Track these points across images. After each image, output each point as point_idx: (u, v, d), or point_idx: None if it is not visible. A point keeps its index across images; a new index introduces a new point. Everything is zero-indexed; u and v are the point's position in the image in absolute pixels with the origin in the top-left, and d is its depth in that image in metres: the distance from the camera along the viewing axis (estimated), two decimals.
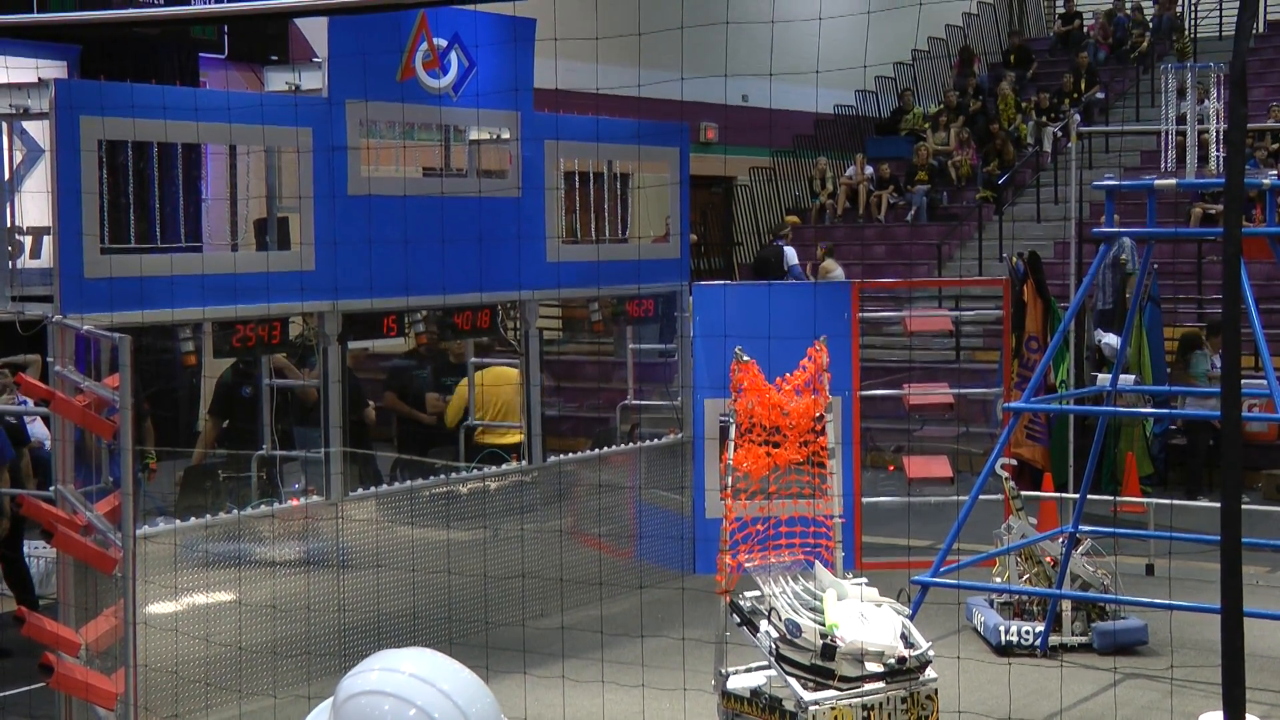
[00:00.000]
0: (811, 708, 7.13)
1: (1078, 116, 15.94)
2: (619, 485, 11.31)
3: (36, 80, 8.68)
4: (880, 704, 7.24)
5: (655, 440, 11.78)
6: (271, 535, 9.08)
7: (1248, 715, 3.61)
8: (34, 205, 9.13)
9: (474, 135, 10.75)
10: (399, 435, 11.75)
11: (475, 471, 10.62)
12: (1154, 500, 12.07)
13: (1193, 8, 27.08)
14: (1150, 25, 26.39)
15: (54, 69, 13.54)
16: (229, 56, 17.02)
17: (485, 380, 11.62)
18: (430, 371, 11.98)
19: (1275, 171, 9.30)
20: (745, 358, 8.10)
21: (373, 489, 9.70)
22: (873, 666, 7.23)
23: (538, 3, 9.63)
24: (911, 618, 7.77)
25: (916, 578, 8.69)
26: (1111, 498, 12.43)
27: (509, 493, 10.49)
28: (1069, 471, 13.39)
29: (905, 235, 22.56)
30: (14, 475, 10.41)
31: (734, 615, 7.68)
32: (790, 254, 20.20)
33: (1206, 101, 10.06)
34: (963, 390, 13.18)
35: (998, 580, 9.88)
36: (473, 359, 11.62)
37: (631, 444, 11.69)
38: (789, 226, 21.33)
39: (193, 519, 8.71)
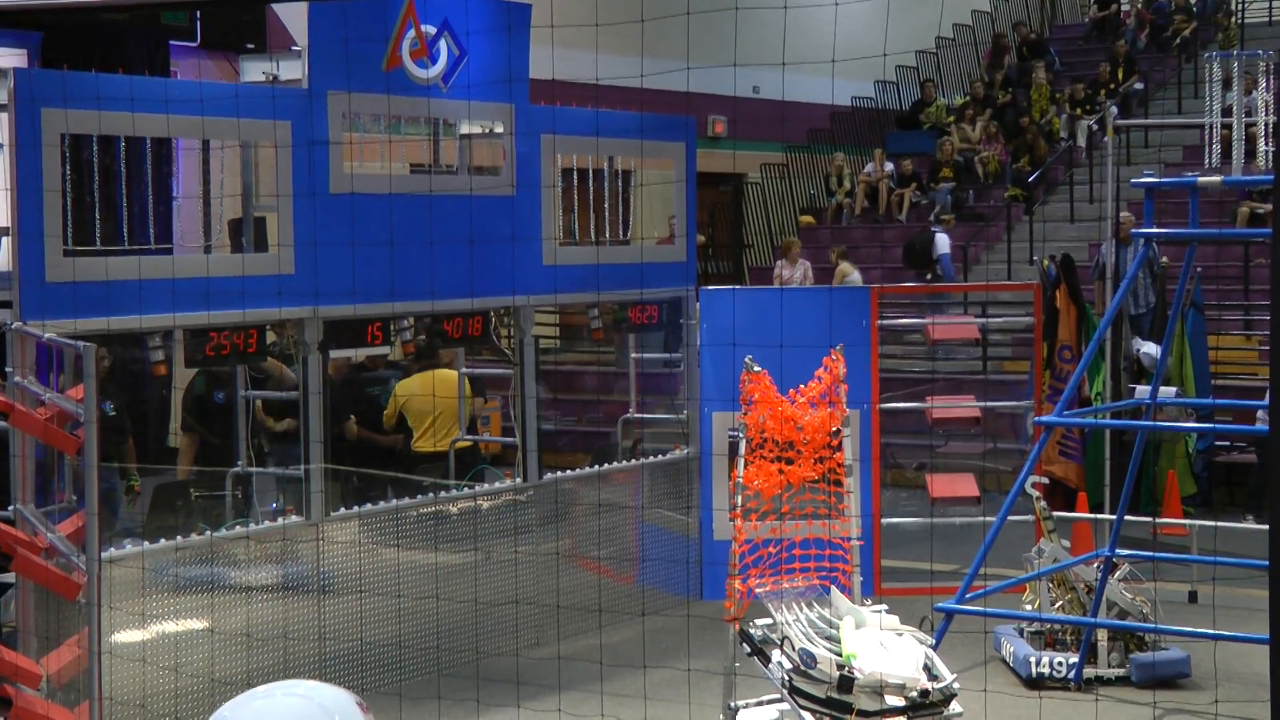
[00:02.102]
0: None
1: (1114, 109, 15.93)
2: (620, 505, 11.31)
3: None
4: None
5: (659, 456, 11.79)
6: (247, 558, 9.09)
7: None
8: None
9: (465, 129, 10.78)
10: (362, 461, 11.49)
11: (465, 490, 10.64)
12: (1197, 522, 12.06)
13: None
14: (1194, 10, 26.38)
15: (13, 57, 13.55)
16: (202, 44, 17.07)
17: (404, 390, 11.62)
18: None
19: None
20: (756, 368, 8.11)
21: (355, 508, 9.71)
22: (893, 700, 7.23)
23: None
24: (935, 647, 7.77)
25: (940, 605, 8.69)
26: (1151, 519, 12.41)
27: (502, 512, 10.50)
28: (1105, 491, 13.37)
29: None
30: None
31: (744, 644, 7.68)
32: (942, 242, 19.56)
33: (1255, 93, 10.09)
34: (990, 403, 13.19)
35: (1028, 608, 9.87)
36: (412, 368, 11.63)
37: (634, 460, 11.70)
38: (953, 214, 21.08)
39: (162, 540, 8.71)
